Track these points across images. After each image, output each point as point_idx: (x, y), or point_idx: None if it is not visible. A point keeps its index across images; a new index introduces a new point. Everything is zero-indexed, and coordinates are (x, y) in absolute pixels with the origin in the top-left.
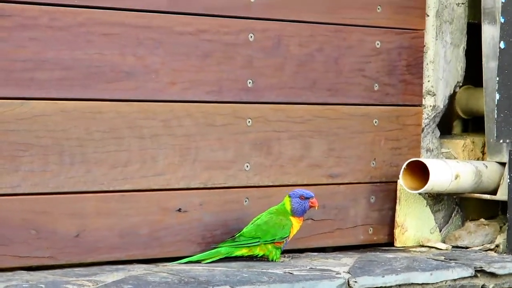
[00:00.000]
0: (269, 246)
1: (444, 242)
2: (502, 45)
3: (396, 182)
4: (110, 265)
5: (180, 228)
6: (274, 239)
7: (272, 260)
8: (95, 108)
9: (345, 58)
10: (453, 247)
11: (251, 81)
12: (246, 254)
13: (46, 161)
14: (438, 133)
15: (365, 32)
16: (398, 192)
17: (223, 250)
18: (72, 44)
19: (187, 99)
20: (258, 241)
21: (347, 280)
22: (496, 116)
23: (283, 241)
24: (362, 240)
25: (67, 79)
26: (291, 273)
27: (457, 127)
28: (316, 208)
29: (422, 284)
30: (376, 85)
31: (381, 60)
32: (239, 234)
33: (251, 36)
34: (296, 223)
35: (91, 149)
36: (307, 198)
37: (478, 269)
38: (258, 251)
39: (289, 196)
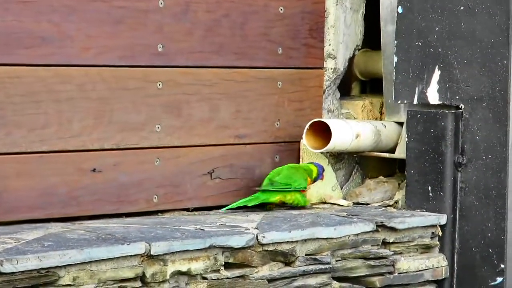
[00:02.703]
0: (297, 194)
1: (345, 199)
2: (399, 9)
3: (299, 142)
4: (29, 223)
5: (96, 188)
6: (301, 187)
7: (302, 206)
8: (14, 73)
9: (251, 23)
10: (354, 203)
11: (161, 46)
12: (278, 201)
13: None
14: (338, 94)
15: None
16: (301, 151)
17: (262, 196)
18: None
19: (101, 63)
20: (290, 188)
21: (255, 235)
22: (394, 78)
23: (306, 190)
24: None
25: None
26: (202, 230)
27: (355, 88)
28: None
29: (327, 238)
30: (280, 49)
31: (285, 25)
32: (270, 181)
33: (161, 3)
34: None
35: (10, 113)
36: (322, 172)
37: (379, 224)
38: (288, 199)
39: (315, 166)
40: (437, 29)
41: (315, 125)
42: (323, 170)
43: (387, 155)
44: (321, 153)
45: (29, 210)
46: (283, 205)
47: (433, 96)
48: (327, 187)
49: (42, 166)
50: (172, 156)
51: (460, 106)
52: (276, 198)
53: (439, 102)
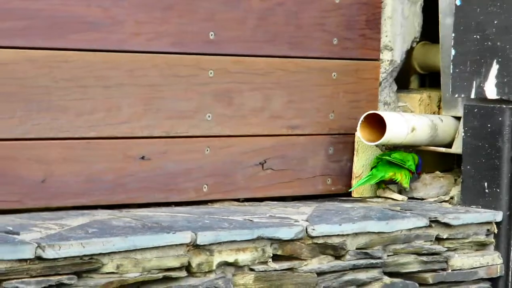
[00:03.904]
0: (407, 173)
1: (400, 193)
2: (458, 2)
3: (354, 134)
4: (75, 210)
5: (144, 176)
6: (411, 168)
7: (403, 187)
8: (61, 57)
9: (305, 13)
10: (409, 198)
11: (213, 33)
12: (389, 178)
13: (13, 108)
14: (395, 87)
15: None
16: (356, 144)
17: (378, 173)
18: None
19: (151, 50)
20: (404, 164)
21: (305, 228)
22: (451, 72)
23: (413, 173)
24: (321, 190)
25: (33, 28)
26: (251, 220)
27: (414, 82)
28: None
29: (378, 232)
30: (335, 39)
31: (341, 15)
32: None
33: None
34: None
35: (56, 97)
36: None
37: (432, 219)
38: (399, 176)
39: (418, 158)
40: (495, 22)
41: (370, 117)
42: (421, 166)
43: (443, 149)
44: (376, 146)
45: (74, 196)
46: (389, 183)
47: (490, 90)
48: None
49: (89, 152)
50: (223, 145)
51: None
52: (390, 174)
53: (497, 97)
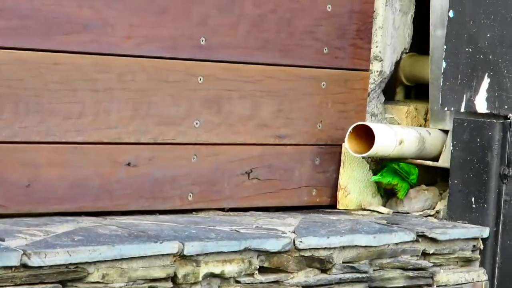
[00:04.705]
0: (407, 185)
1: (384, 206)
2: (451, 14)
3: (341, 145)
4: (59, 216)
5: (130, 182)
6: (413, 182)
7: (399, 197)
8: (51, 59)
9: (298, 20)
10: (393, 211)
11: (204, 39)
12: (392, 186)
13: (0, 110)
14: (383, 98)
15: None
16: (342, 155)
17: (387, 177)
18: None
19: (141, 54)
20: (408, 177)
21: (293, 240)
22: (442, 84)
23: (413, 186)
24: (306, 202)
25: (25, 28)
26: (237, 231)
27: (400, 93)
28: None
29: (365, 246)
30: (326, 48)
31: (332, 23)
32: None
33: None
34: None
35: (46, 100)
36: None
37: (420, 234)
38: (399, 186)
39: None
40: (488, 35)
41: (358, 128)
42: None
43: (430, 163)
44: (363, 158)
45: (60, 201)
46: (388, 191)
47: (481, 104)
48: (367, 194)
49: (76, 157)
50: (210, 153)
51: (508, 116)
52: (394, 182)
53: (487, 111)
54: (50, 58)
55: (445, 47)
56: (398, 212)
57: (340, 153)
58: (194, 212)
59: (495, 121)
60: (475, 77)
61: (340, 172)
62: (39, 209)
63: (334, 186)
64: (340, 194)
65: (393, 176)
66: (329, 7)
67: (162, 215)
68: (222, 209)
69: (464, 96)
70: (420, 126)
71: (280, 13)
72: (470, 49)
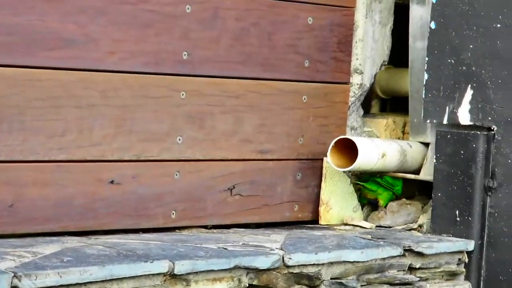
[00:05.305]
0: (391, 197)
1: (366, 220)
2: (432, 25)
3: (322, 159)
4: (42, 236)
5: (114, 200)
6: (398, 193)
7: (381, 206)
8: (35, 76)
9: (279, 33)
10: (376, 226)
11: (186, 53)
12: (375, 196)
13: None
14: (362, 111)
15: (298, 8)
16: (324, 169)
17: (373, 187)
18: (14, 9)
19: (125, 69)
20: (393, 189)
21: (281, 257)
22: (424, 96)
23: (398, 198)
24: (288, 217)
25: (7, 44)
26: (225, 249)
27: (375, 106)
28: None
29: (353, 262)
30: (307, 61)
31: (313, 36)
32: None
33: (188, 8)
34: None
35: (29, 117)
36: None
37: (406, 248)
38: (383, 196)
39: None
40: (471, 46)
41: (339, 142)
42: None
43: (412, 176)
44: (344, 172)
45: (44, 221)
46: (371, 202)
47: (464, 116)
48: (348, 208)
49: (59, 176)
50: (192, 169)
51: (492, 128)
52: (380, 191)
53: (471, 123)
54: (33, 75)
55: (427, 59)
56: (381, 226)
57: (322, 167)
58: (177, 230)
59: (478, 133)
60: (458, 88)
61: (322, 187)
62: (23, 230)
63: (316, 201)
64: (322, 209)
65: (378, 186)
66: (310, 20)
67: (146, 234)
68: (205, 227)
69: (447, 108)
70: (399, 139)
71: (262, 26)
72: (453, 61)
